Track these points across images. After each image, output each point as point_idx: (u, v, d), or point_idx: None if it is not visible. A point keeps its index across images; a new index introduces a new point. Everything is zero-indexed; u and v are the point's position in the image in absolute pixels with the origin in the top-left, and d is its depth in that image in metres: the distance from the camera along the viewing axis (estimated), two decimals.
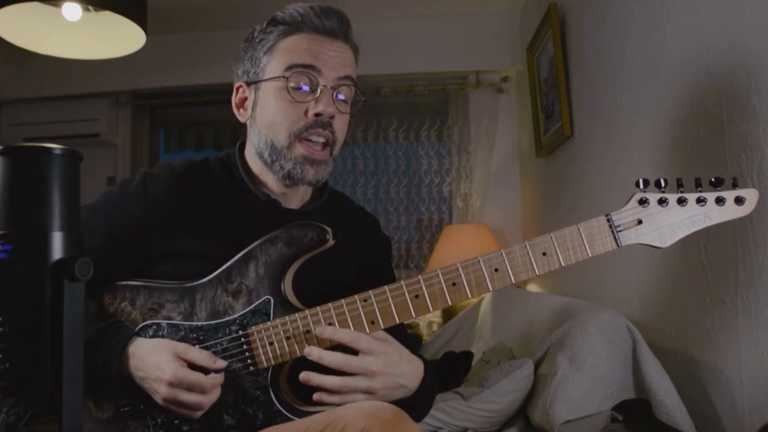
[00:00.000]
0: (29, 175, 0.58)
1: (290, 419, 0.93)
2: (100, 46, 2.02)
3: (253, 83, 1.05)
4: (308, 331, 0.93)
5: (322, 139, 1.02)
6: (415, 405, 0.97)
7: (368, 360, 0.90)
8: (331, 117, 1.01)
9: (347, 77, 1.03)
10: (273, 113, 1.02)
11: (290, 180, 1.03)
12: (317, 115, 1.00)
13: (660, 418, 1.30)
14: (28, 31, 1.91)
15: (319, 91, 1.00)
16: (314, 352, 0.91)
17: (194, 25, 3.25)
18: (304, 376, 0.91)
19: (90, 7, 1.79)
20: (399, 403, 0.90)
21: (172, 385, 0.88)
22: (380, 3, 3.06)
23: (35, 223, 0.58)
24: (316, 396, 0.91)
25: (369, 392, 0.90)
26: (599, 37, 1.97)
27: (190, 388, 0.89)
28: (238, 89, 1.09)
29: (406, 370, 0.95)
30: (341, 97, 1.04)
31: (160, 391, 0.89)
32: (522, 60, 2.95)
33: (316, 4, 1.02)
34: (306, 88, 1.01)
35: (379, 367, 0.90)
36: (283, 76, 1.00)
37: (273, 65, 1.02)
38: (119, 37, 1.96)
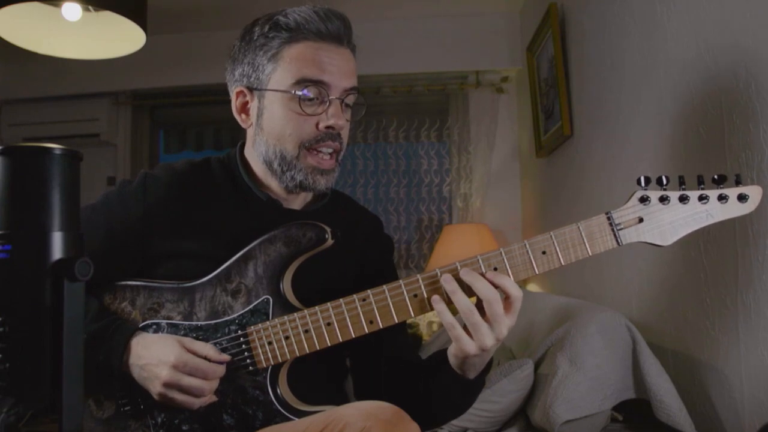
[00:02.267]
0: (29, 175, 0.58)
1: (289, 419, 0.93)
2: (100, 46, 2.02)
3: (256, 90, 1.04)
4: (307, 331, 0.93)
5: (331, 150, 1.02)
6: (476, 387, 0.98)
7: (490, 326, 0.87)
8: (341, 128, 1.03)
9: (353, 88, 1.04)
10: (282, 124, 1.01)
11: (301, 189, 1.04)
12: (328, 127, 1.01)
13: (660, 418, 1.30)
14: (28, 31, 1.91)
15: (328, 103, 1.01)
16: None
17: (194, 25, 3.25)
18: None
19: (90, 7, 1.79)
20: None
21: (175, 367, 0.89)
22: (380, 3, 3.06)
23: (35, 223, 0.58)
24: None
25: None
26: (599, 37, 1.97)
27: (193, 372, 0.90)
28: (238, 94, 1.06)
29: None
30: (347, 105, 1.05)
31: (162, 375, 0.89)
32: (522, 60, 2.95)
33: (318, 8, 1.01)
34: (316, 99, 1.00)
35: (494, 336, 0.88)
36: (297, 93, 0.99)
37: (280, 75, 1.01)
38: (119, 37, 1.96)
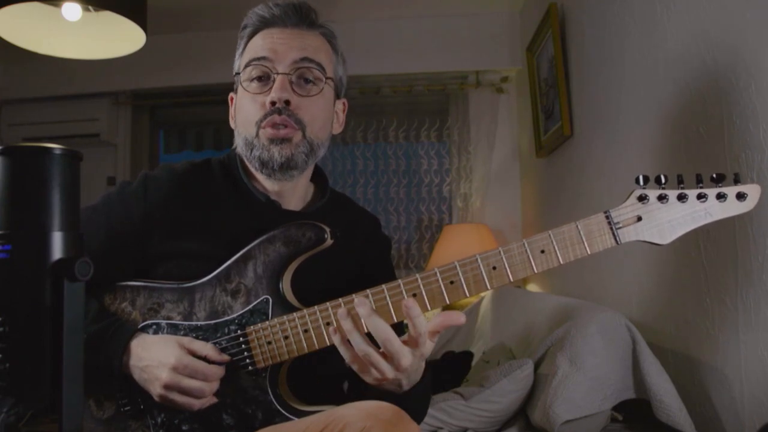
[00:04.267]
0: (29, 175, 0.58)
1: (289, 419, 0.93)
2: (100, 46, 2.02)
3: (235, 90, 1.10)
4: (306, 331, 0.93)
5: (282, 126, 1.01)
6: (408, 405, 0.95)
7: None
8: (288, 103, 1.01)
9: (305, 59, 1.03)
10: (242, 111, 1.06)
11: (264, 167, 1.03)
12: (272, 103, 1.01)
13: (660, 418, 1.30)
14: (28, 31, 1.91)
15: (272, 79, 1.03)
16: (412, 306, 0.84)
17: (194, 25, 3.25)
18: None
19: (90, 7, 1.79)
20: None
21: (175, 369, 0.89)
22: (381, 3, 3.06)
23: (35, 223, 0.58)
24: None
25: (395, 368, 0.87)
26: (599, 37, 1.97)
27: (193, 374, 0.90)
28: (230, 100, 1.13)
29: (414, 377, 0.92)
30: (306, 80, 1.04)
31: (163, 377, 0.89)
32: (522, 60, 2.95)
33: (273, 2, 1.06)
34: (262, 78, 1.03)
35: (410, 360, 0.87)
36: (237, 73, 1.05)
37: (240, 67, 1.07)
38: (119, 37, 1.96)
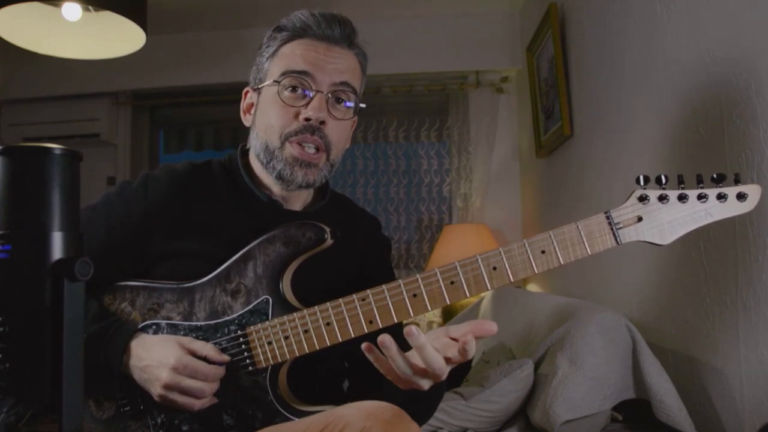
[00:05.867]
0: (29, 175, 0.58)
1: (289, 419, 0.93)
2: (100, 46, 2.03)
3: (257, 88, 1.08)
4: (306, 331, 0.93)
5: (312, 146, 1.02)
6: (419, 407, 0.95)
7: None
8: (322, 123, 1.01)
9: (344, 83, 1.04)
10: (268, 116, 1.04)
11: (281, 181, 1.03)
12: (307, 120, 1.01)
13: (660, 418, 1.30)
14: (28, 31, 1.91)
15: (309, 95, 1.02)
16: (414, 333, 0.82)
17: (194, 25, 3.25)
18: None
19: (90, 7, 1.79)
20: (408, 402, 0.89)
21: (175, 369, 0.89)
22: (380, 3, 3.06)
23: (35, 223, 0.58)
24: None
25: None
26: (599, 37, 1.97)
27: (193, 374, 0.90)
28: (245, 94, 1.12)
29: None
30: (343, 103, 1.05)
31: (163, 377, 0.89)
32: (522, 60, 2.95)
33: (319, 12, 1.04)
34: (300, 93, 1.02)
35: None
36: (276, 81, 1.02)
37: (272, 70, 1.05)
38: (119, 37, 1.96)
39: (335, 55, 1.03)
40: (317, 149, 1.02)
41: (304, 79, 1.01)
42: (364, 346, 0.84)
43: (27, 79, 3.31)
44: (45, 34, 1.93)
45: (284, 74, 1.02)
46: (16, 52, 2.08)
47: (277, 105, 1.02)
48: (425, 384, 0.85)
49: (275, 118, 1.02)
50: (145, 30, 1.87)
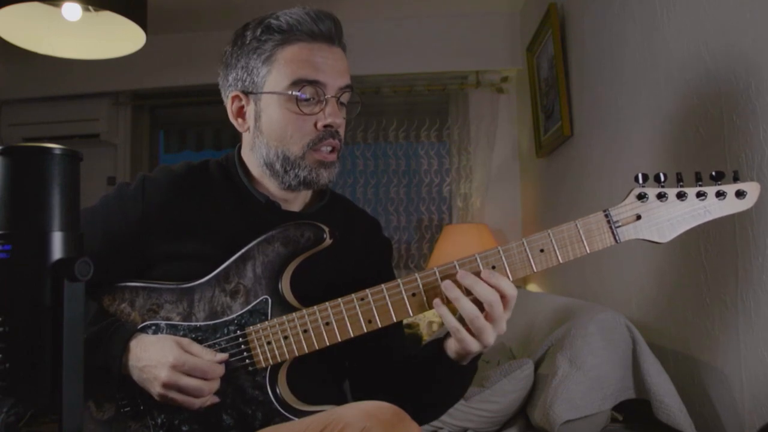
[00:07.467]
0: (29, 175, 0.58)
1: (289, 419, 0.93)
2: (100, 46, 2.03)
3: (252, 93, 1.04)
4: (306, 331, 0.93)
5: (331, 147, 1.04)
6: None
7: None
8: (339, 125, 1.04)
9: (348, 86, 1.05)
10: (282, 126, 1.02)
11: (305, 186, 1.05)
12: (327, 126, 1.02)
13: (660, 418, 1.30)
14: (28, 31, 1.91)
15: (325, 102, 1.02)
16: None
17: (194, 25, 3.25)
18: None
19: (90, 7, 1.79)
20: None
21: (174, 367, 0.89)
22: (380, 3, 3.06)
23: (35, 223, 0.58)
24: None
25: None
26: (599, 37, 1.97)
27: (192, 372, 0.90)
28: (233, 99, 1.07)
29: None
30: (342, 103, 1.06)
31: (161, 376, 0.89)
32: (522, 60, 2.95)
33: (308, 9, 1.02)
34: (314, 100, 1.02)
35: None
36: (291, 93, 1.00)
37: (275, 77, 1.01)
38: (119, 37, 1.96)
39: (336, 57, 1.04)
40: (332, 149, 1.04)
41: (318, 87, 1.01)
42: (435, 301, 0.89)
43: (27, 79, 3.30)
44: (45, 34, 1.92)
45: (296, 84, 1.00)
46: (16, 52, 2.08)
47: (291, 114, 1.01)
48: (474, 346, 0.89)
49: (294, 129, 1.02)
50: (145, 30, 1.87)
